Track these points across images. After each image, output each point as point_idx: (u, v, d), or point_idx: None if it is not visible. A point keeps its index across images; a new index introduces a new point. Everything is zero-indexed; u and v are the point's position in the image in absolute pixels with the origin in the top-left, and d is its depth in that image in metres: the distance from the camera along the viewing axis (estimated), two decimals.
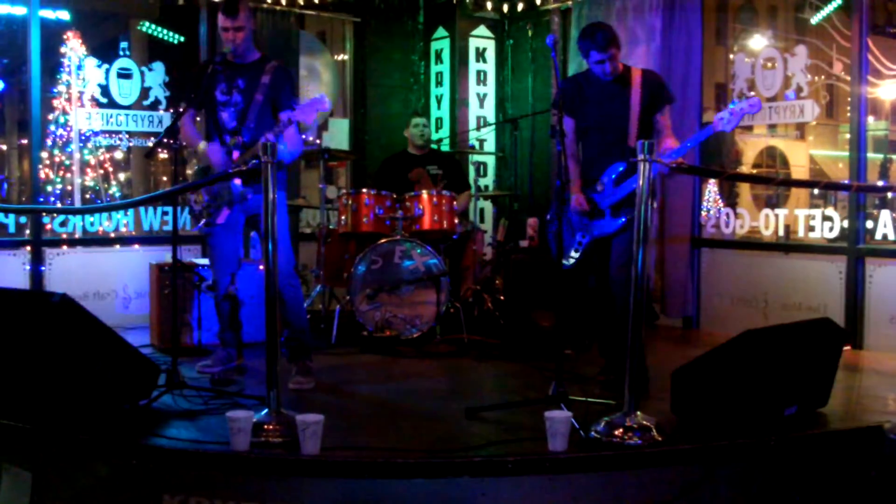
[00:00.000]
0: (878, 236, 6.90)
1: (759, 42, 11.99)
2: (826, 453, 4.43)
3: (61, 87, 8.02)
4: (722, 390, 4.46)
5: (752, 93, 7.72)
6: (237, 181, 5.54)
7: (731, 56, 8.35)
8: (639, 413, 4.28)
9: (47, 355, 4.51)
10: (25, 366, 4.57)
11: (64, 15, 8.06)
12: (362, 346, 6.87)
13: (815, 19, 7.89)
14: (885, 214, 6.84)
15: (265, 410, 4.31)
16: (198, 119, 6.02)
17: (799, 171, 17.17)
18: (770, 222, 7.59)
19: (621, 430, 4.21)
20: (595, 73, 5.61)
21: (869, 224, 6.96)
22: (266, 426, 4.21)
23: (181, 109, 5.60)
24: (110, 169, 8.38)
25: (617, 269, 5.49)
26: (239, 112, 5.64)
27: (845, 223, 7.08)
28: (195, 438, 4.27)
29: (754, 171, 14.38)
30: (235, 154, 5.55)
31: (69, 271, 7.81)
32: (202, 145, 5.66)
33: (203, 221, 5.72)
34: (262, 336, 4.54)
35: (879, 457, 4.42)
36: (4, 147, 15.13)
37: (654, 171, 4.46)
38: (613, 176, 5.52)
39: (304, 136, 8.87)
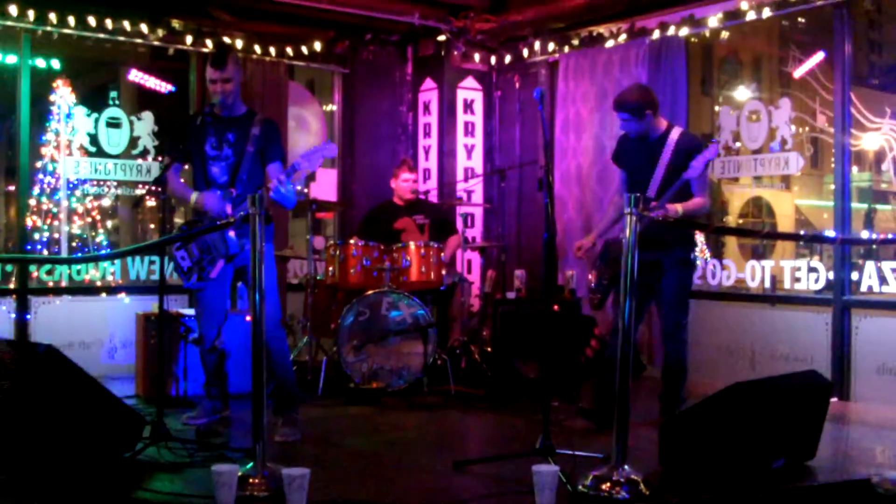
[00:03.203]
0: (864, 287, 6.93)
1: (743, 94, 12.09)
2: None
3: (50, 135, 8.04)
4: (710, 443, 4.46)
5: (738, 143, 7.79)
6: (231, 233, 5.52)
7: (717, 108, 8.43)
8: (626, 466, 4.27)
9: (31, 406, 4.48)
10: (8, 417, 4.53)
11: (54, 63, 8.09)
12: (349, 398, 6.85)
13: (798, 72, 7.97)
14: (870, 265, 6.88)
15: (251, 464, 4.29)
16: (184, 168, 5.99)
17: (785, 220, 17.22)
18: (756, 273, 7.62)
19: (609, 483, 4.20)
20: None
21: (854, 275, 7.00)
22: (251, 479, 4.19)
23: (166, 162, 5.60)
24: (98, 217, 8.38)
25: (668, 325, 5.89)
26: (230, 166, 5.64)
27: (831, 274, 7.11)
28: (180, 492, 4.24)
29: (741, 221, 14.44)
30: (228, 208, 5.54)
31: (55, 320, 7.78)
32: (195, 196, 5.64)
33: (195, 276, 5.66)
34: (248, 387, 4.51)
35: None
36: None
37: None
38: None
39: (293, 185, 8.88)
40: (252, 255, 4.35)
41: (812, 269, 7.32)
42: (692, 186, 5.74)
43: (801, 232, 12.12)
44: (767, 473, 4.53)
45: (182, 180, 5.84)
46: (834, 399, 6.56)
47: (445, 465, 4.80)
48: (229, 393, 6.06)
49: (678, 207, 5.59)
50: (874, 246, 7.84)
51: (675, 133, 5.89)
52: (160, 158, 8.31)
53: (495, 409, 6.61)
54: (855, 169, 8.09)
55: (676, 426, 4.66)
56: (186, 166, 5.98)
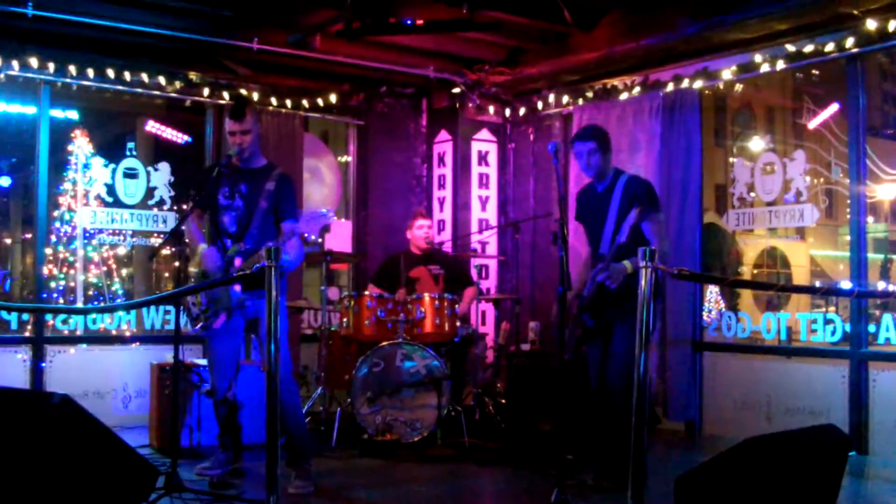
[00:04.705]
0: (881, 340, 6.88)
1: (757, 145, 12.14)
2: None
3: (67, 185, 8.12)
4: (725, 498, 4.41)
5: (753, 195, 7.81)
6: (237, 287, 5.54)
7: (731, 159, 8.44)
8: None
9: (45, 457, 4.47)
10: (22, 467, 4.52)
11: (72, 114, 8.19)
12: (363, 450, 6.81)
13: (812, 124, 8.00)
14: (887, 318, 6.83)
15: None
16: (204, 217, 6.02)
17: (800, 271, 17.24)
18: (772, 326, 7.59)
19: None
20: (586, 175, 5.80)
21: (872, 328, 6.96)
22: None
23: (185, 208, 5.65)
24: (113, 266, 8.43)
25: (615, 375, 5.53)
26: (240, 217, 5.67)
27: (847, 326, 7.07)
28: None
29: (755, 272, 14.43)
30: (238, 261, 5.56)
31: (70, 369, 7.80)
32: (201, 248, 5.68)
33: (200, 325, 5.69)
34: (261, 438, 4.51)
35: None
36: (9, 241, 15.22)
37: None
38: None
39: (306, 237, 8.92)
40: (267, 307, 4.34)
41: (828, 321, 7.27)
42: (646, 236, 5.55)
43: (817, 283, 12.07)
44: None
45: (199, 226, 5.87)
46: (852, 454, 6.49)
47: None
48: (243, 444, 6.05)
49: (626, 265, 5.40)
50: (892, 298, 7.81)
51: (624, 179, 5.78)
52: (175, 209, 8.37)
53: (509, 463, 6.57)
54: (871, 219, 8.09)
55: (692, 481, 4.62)
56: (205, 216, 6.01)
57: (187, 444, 6.67)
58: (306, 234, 5.50)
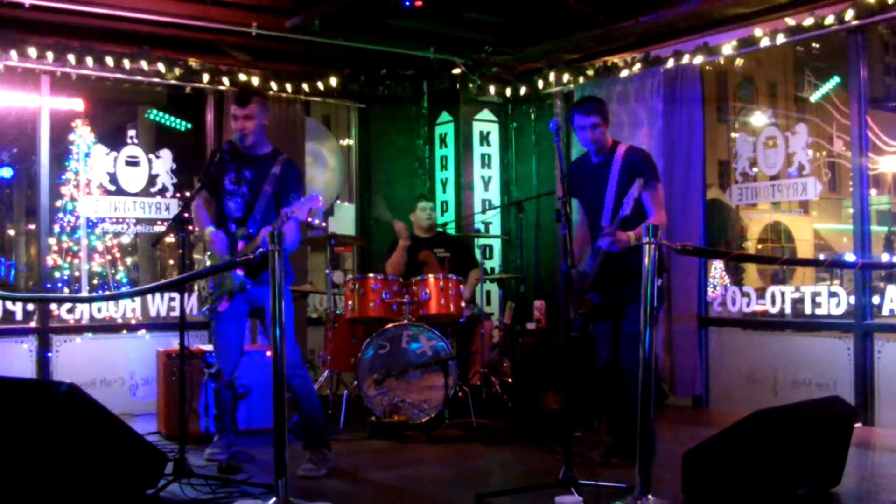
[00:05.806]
0: (886, 311, 6.88)
1: (759, 120, 12.09)
2: None
3: (69, 174, 8.11)
4: (734, 471, 4.43)
5: (756, 170, 7.79)
6: (239, 271, 5.55)
7: (733, 134, 8.42)
8: (650, 496, 4.24)
9: (54, 446, 4.49)
10: (31, 457, 4.54)
11: (73, 103, 8.17)
12: (370, 432, 6.83)
13: (814, 97, 7.96)
14: (891, 289, 6.83)
15: (273, 499, 4.28)
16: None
17: (804, 245, 17.26)
18: (777, 299, 7.59)
19: None
20: (586, 148, 5.75)
21: (876, 299, 6.96)
22: None
23: (195, 189, 5.66)
24: (117, 254, 8.43)
25: (628, 354, 5.53)
26: (246, 202, 5.69)
27: (852, 299, 7.07)
28: None
29: (759, 247, 14.44)
30: (241, 245, 5.59)
31: (76, 358, 7.82)
32: (208, 230, 5.70)
33: (207, 308, 5.75)
34: (270, 423, 4.52)
35: None
36: (13, 232, 15.25)
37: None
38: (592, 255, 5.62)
39: (310, 221, 8.93)
40: (272, 291, 4.35)
41: (833, 294, 7.27)
42: (645, 207, 5.51)
43: (821, 256, 12.07)
44: (793, 501, 4.49)
45: (207, 210, 5.88)
46: (858, 424, 6.51)
47: (468, 499, 4.78)
48: (251, 429, 6.07)
49: (630, 235, 5.36)
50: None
51: (622, 149, 5.71)
52: (178, 195, 8.37)
53: (517, 441, 6.58)
54: (873, 192, 8.08)
55: (700, 455, 4.63)
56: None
57: (196, 430, 6.69)
58: (301, 218, 5.50)
